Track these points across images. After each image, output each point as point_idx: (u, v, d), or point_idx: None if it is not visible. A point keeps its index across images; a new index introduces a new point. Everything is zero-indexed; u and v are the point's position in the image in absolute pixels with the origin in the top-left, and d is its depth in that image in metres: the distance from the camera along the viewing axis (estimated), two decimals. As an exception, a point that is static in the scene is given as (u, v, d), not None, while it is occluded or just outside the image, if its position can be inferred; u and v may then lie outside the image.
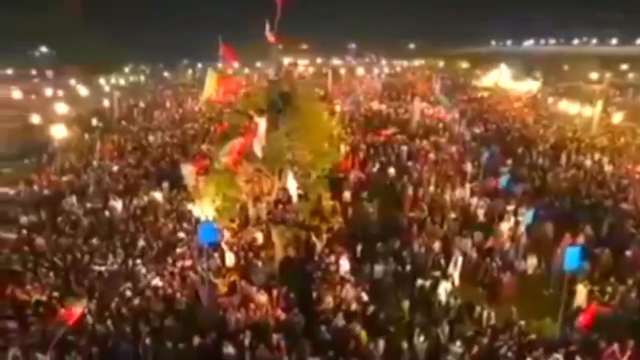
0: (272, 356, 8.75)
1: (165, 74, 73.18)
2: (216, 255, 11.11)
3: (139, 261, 12.39)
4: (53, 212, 15.69)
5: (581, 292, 11.25)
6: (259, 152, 9.12)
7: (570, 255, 9.26)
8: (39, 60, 65.50)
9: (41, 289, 11.13)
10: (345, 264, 11.29)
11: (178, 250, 12.63)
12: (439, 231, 15.58)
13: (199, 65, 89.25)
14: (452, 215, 16.83)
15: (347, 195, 19.00)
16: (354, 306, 10.06)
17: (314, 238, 11.47)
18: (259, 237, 11.00)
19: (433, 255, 13.91)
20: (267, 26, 10.49)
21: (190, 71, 76.36)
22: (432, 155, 24.46)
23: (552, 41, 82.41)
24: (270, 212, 10.53)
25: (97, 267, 12.12)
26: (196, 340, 9.17)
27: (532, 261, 14.00)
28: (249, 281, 10.53)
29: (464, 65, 76.46)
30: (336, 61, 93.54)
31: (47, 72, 61.67)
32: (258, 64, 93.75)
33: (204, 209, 9.96)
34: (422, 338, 9.20)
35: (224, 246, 10.80)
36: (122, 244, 13.37)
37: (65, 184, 18.54)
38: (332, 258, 11.33)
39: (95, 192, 17.41)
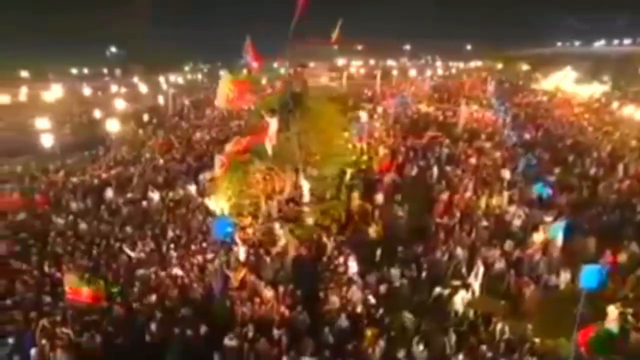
0: (272, 351, 8.92)
1: (222, 72, 75.81)
2: (235, 249, 11.52)
3: (164, 250, 13.10)
4: (98, 200, 16.96)
5: (612, 313, 10.39)
6: (269, 151, 9.33)
7: (586, 274, 8.57)
8: (110, 59, 70.84)
9: (75, 269, 12.07)
10: (353, 266, 11.24)
11: (203, 242, 13.19)
12: (466, 239, 15.01)
13: (255, 64, 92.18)
14: (484, 223, 16.14)
15: (379, 197, 18.88)
16: (359, 308, 9.99)
17: (324, 238, 11.52)
18: (269, 234, 11.30)
19: (455, 264, 13.47)
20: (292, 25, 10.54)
21: (245, 70, 78.55)
22: (473, 160, 23.62)
23: (627, 41, 75.79)
24: (281, 210, 10.71)
25: (126, 253, 12.94)
26: (203, 329, 9.57)
27: (565, 276, 13.10)
28: (259, 276, 10.81)
29: (525, 67, 72.56)
30: (390, 62, 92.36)
31: (116, 71, 66.42)
32: (311, 64, 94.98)
33: (218, 203, 10.35)
34: (421, 346, 8.93)
35: (237, 241, 11.19)
36: (152, 233, 14.20)
37: (113, 174, 19.89)
38: (341, 259, 11.32)
39: (138, 184, 18.56)
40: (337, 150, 10.51)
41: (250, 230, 11.42)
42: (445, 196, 18.61)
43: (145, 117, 32.35)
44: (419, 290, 12.29)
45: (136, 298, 10.91)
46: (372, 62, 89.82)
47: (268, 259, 11.23)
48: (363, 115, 32.96)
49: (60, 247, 13.52)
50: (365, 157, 25.05)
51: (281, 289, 10.29)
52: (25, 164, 22.98)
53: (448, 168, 22.78)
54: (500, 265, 13.66)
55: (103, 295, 9.90)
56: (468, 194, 19.00)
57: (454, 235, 15.25)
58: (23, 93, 43.91)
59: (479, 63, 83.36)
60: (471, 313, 11.44)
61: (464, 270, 13.04)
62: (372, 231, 14.30)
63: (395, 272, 12.73)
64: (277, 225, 10.83)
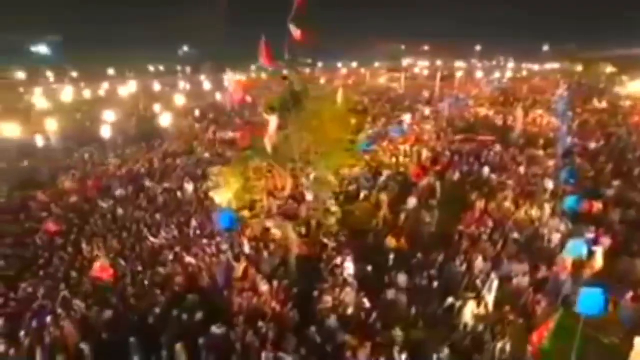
0: (257, 344, 9.12)
1: (285, 72, 77.74)
2: (241, 241, 11.93)
3: (185, 238, 13.88)
4: (139, 188, 18.33)
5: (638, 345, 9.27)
6: (269, 148, 9.55)
7: (586, 298, 7.71)
8: (182, 58, 75.69)
9: (103, 250, 13.21)
10: (350, 267, 11.10)
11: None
12: (490, 250, 14.16)
13: (319, 64, 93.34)
14: (515, 235, 15.11)
15: (412, 201, 18.46)
16: (350, 310, 9.88)
17: (323, 238, 11.49)
18: (269, 230, 11.50)
19: (471, 275, 12.78)
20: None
21: (307, 70, 79.81)
22: (522, 169, 22.16)
23: None
24: (281, 207, 10.87)
25: (150, 239, 13.88)
26: (199, 315, 10.03)
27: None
28: (258, 270, 11.08)
29: (609, 69, 66.13)
30: (459, 63, 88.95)
31: (186, 69, 70.83)
32: (376, 64, 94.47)
33: (222, 196, 10.76)
34: (404, 356, 8.62)
35: (241, 234, 11.56)
36: (178, 221, 15.08)
37: (159, 165, 21.35)
38: (339, 259, 11.24)
39: (178, 175, 19.76)
40: (335, 149, 10.42)
41: (251, 225, 11.74)
42: (481, 204, 17.75)
43: (199, 113, 34.11)
44: (426, 298, 11.84)
45: (150, 281, 11.64)
46: (439, 62, 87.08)
47: (266, 254, 11.49)
48: (406, 118, 32.33)
49: (98, 229, 14.80)
50: (406, 160, 24.75)
51: (275, 284, 10.44)
52: (91, 152, 25.36)
53: (492, 175, 21.67)
54: (522, 281, 12.75)
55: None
56: (507, 203, 17.94)
57: (478, 245, 14.45)
58: (103, 88, 48.58)
59: (556, 65, 77.42)
60: (478, 327, 10.84)
61: (479, 282, 12.29)
62: (387, 235, 13.94)
63: (402, 278, 12.42)
64: (279, 222, 11.00)
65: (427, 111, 34.12)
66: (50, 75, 63.51)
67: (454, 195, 19.82)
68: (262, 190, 10.57)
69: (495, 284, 11.82)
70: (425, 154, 25.30)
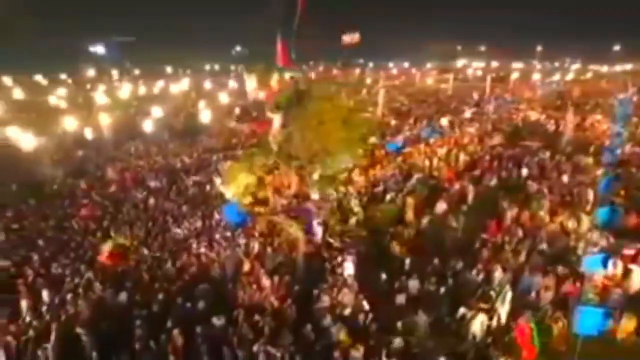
0: (251, 337, 9.31)
1: (335, 71, 78.18)
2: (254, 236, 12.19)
3: (205, 230, 14.42)
4: (172, 181, 19.27)
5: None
6: (274, 146, 9.69)
7: (584, 317, 7.09)
8: (234, 57, 78.15)
9: (129, 237, 14.05)
10: (349, 268, 10.97)
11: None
12: (513, 261, 13.42)
13: (370, 64, 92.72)
14: (543, 246, 14.22)
15: (440, 206, 17.96)
16: (347, 311, 9.81)
17: (328, 237, 11.44)
18: (275, 226, 11.62)
19: (488, 285, 12.19)
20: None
21: (358, 70, 79.67)
22: (565, 177, 20.75)
23: None
24: (286, 205, 10.95)
25: (173, 229, 14.57)
26: (201, 304, 10.41)
27: (629, 324, 10.86)
28: (262, 265, 11.27)
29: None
30: (517, 64, 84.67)
31: (238, 68, 72.99)
32: (428, 65, 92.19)
33: (231, 191, 11.02)
34: (391, 361, 8.43)
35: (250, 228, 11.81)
36: (202, 213, 15.69)
37: (194, 160, 22.31)
38: (339, 259, 11.16)
39: (210, 170, 20.54)
40: (336, 150, 10.32)
41: (258, 221, 11.95)
42: (512, 212, 16.89)
43: (240, 111, 35.11)
44: (435, 306, 11.49)
45: (165, 269, 12.24)
46: (495, 64, 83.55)
47: (269, 250, 11.66)
48: (443, 120, 31.31)
49: (128, 217, 15.75)
50: (441, 163, 24.01)
51: (276, 280, 10.59)
52: (136, 145, 26.97)
53: (531, 182, 20.50)
54: (544, 295, 11.98)
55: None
56: (541, 212, 16.92)
57: (500, 254, 13.75)
58: (158, 86, 51.40)
59: (627, 66, 71.47)
60: (486, 340, 10.37)
61: (493, 293, 11.72)
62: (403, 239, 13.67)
63: (413, 283, 12.13)
64: (285, 220, 11.12)
65: (468, 113, 32.81)
66: (114, 73, 68.17)
67: (487, 202, 18.99)
68: (269, 187, 10.75)
69: (509, 296, 11.24)
70: (462, 157, 24.42)
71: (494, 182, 21.46)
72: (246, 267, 11.47)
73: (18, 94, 45.01)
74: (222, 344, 9.07)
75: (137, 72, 72.49)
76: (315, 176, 10.72)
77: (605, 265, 10.89)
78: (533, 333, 8.15)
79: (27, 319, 10.34)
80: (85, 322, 9.73)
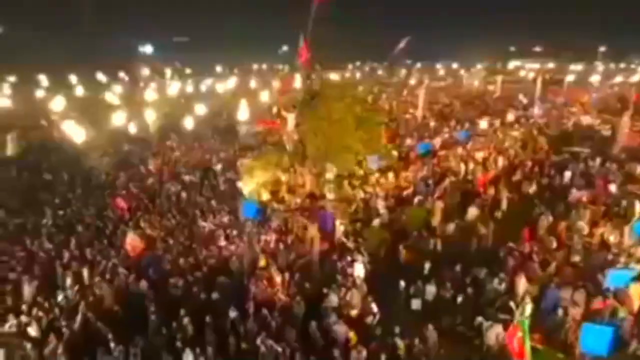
0: (257, 331, 9.51)
1: (380, 72, 77.58)
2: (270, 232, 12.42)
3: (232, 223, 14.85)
4: (204, 176, 20.00)
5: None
6: (288, 146, 9.82)
7: (590, 335, 6.59)
8: (281, 57, 79.36)
9: (159, 229, 14.76)
10: (359, 268, 10.86)
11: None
12: (540, 272, 12.75)
13: (418, 64, 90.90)
14: (576, 258, 13.41)
15: (472, 211, 17.43)
16: (354, 312, 9.77)
17: (342, 237, 11.38)
18: (288, 223, 11.71)
19: (510, 296, 11.67)
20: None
21: (404, 71, 78.42)
22: (613, 187, 19.37)
23: None
24: (299, 204, 11.04)
25: (199, 222, 15.13)
26: (214, 295, 10.76)
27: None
28: (275, 261, 11.46)
29: None
30: (575, 66, 79.77)
31: (285, 67, 74.22)
32: (478, 66, 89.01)
33: (249, 187, 11.27)
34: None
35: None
36: (229, 209, 16.15)
37: (229, 156, 23.01)
38: (349, 259, 11.10)
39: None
40: (350, 149, 10.23)
41: (274, 218, 12.12)
42: (547, 221, 16.06)
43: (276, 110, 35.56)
44: (451, 313, 11.19)
45: (187, 259, 12.75)
46: (550, 65, 79.24)
47: (282, 247, 11.80)
48: (482, 123, 30.10)
49: (160, 209, 16.55)
50: (478, 167, 23.17)
51: (287, 276, 10.74)
52: (177, 140, 28.17)
53: (574, 190, 19.32)
54: (572, 311, 11.27)
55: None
56: (581, 223, 15.93)
57: (527, 265, 13.10)
58: (206, 84, 53.36)
59: None
60: (502, 352, 9.95)
61: (513, 304, 11.20)
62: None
63: (431, 288, 11.86)
64: (301, 219, 11.23)
65: (510, 116, 31.38)
66: (167, 72, 71.50)
67: (522, 209, 18.18)
68: (284, 185, 10.91)
69: (529, 308, 10.69)
70: (501, 162, 23.46)
71: (533, 189, 20.48)
72: (262, 262, 11.71)
73: (80, 90, 48.31)
74: (229, 335, 9.34)
75: (188, 71, 75.50)
76: (329, 175, 10.74)
77: (632, 282, 10.07)
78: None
79: (59, 297, 11.17)
80: (107, 305, 10.36)
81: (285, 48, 78.98)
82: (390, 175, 20.29)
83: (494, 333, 10.37)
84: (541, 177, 21.54)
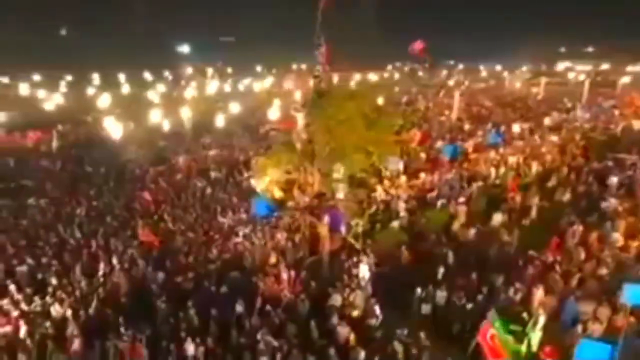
0: (259, 326, 9.68)
1: (420, 73, 76.28)
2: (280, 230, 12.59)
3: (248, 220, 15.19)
4: (230, 173, 20.51)
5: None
6: (297, 145, 9.90)
7: (586, 352, 6.20)
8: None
9: (179, 222, 15.32)
10: (364, 270, 10.74)
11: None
12: (560, 285, 12.12)
13: (460, 66, 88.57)
14: (603, 271, 12.63)
15: (497, 217, 16.88)
16: (355, 312, 9.73)
17: (350, 239, 11.31)
18: (297, 222, 11.75)
19: (525, 307, 11.19)
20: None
21: (445, 72, 76.72)
22: (658, 197, 18.05)
23: None
24: (308, 202, 11.07)
25: (219, 218, 15.56)
26: (224, 288, 11.05)
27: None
28: (284, 258, 11.58)
29: None
30: (634, 67, 74.95)
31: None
32: (523, 68, 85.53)
33: (260, 184, 11.44)
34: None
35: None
36: (248, 205, 16.47)
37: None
38: (354, 260, 11.01)
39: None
40: (359, 149, 10.14)
41: (282, 216, 12.23)
42: (577, 231, 15.23)
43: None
44: (460, 320, 10.91)
45: (202, 253, 13.17)
46: (604, 67, 74.92)
47: (290, 245, 11.88)
48: (515, 127, 28.84)
49: (183, 204, 17.17)
50: (511, 172, 22.28)
51: (293, 274, 10.84)
52: (209, 138, 29.08)
53: (612, 200, 18.18)
54: (593, 327, 10.67)
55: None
56: (615, 234, 15.00)
57: (547, 276, 12.50)
58: (243, 84, 54.83)
59: None
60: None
61: (525, 316, 10.74)
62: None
63: (441, 294, 11.60)
64: (309, 218, 11.27)
65: (547, 120, 29.90)
66: (209, 71, 73.89)
67: (552, 217, 17.33)
68: (294, 184, 11.03)
69: (542, 320, 10.22)
70: (535, 167, 22.44)
71: (567, 197, 19.46)
72: (272, 259, 11.89)
73: (126, 89, 50.91)
74: (231, 329, 9.58)
75: (230, 70, 77.59)
76: (338, 175, 10.74)
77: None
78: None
79: (82, 283, 11.88)
80: (122, 293, 10.91)
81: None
82: (415, 177, 19.97)
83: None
84: (578, 185, 20.43)
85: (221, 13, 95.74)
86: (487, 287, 12.10)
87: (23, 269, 12.72)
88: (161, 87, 50.24)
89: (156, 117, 30.01)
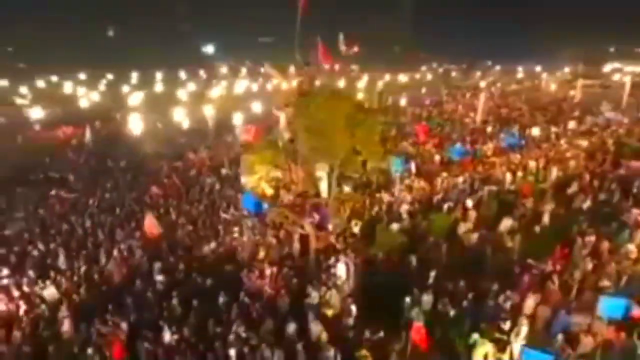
0: (240, 319, 9.87)
1: (454, 74, 74.72)
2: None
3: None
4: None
5: None
6: (280, 143, 9.98)
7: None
8: (355, 58, 79.65)
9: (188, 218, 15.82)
10: (341, 269, 10.65)
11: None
12: (556, 294, 11.60)
13: (497, 67, 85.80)
14: (605, 283, 11.97)
15: (506, 223, 16.37)
16: (330, 311, 9.72)
17: (332, 239, 11.26)
18: (280, 220, 11.81)
19: (514, 315, 10.80)
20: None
21: (479, 73, 74.66)
22: (682, 207, 16.87)
23: None
24: (291, 201, 11.11)
25: (222, 214, 15.95)
26: (209, 281, 11.34)
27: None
28: (269, 254, 11.71)
29: None
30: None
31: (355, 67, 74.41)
32: (565, 69, 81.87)
33: (249, 180, 11.59)
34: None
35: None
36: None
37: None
38: (332, 260, 10.96)
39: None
40: (344, 149, 10.08)
41: (268, 212, 12.32)
42: (587, 241, 14.52)
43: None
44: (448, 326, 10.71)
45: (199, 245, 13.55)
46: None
47: (275, 241, 11.98)
48: (535, 130, 27.62)
49: (190, 198, 17.70)
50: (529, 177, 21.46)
51: (274, 271, 10.96)
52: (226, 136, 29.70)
53: (635, 209, 17.15)
54: (585, 340, 10.16)
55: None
56: (630, 246, 14.19)
57: (543, 285, 12.00)
58: (272, 83, 55.68)
59: None
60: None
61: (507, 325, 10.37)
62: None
63: (427, 298, 11.37)
64: (292, 215, 11.32)
65: (572, 124, 28.48)
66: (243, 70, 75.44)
67: (564, 225, 16.57)
68: (279, 182, 11.15)
69: (524, 330, 9.85)
70: (555, 173, 21.50)
71: (587, 204, 18.52)
72: (261, 254, 12.08)
73: (159, 87, 52.89)
74: (208, 319, 9.83)
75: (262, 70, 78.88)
76: (321, 174, 10.75)
77: (627, 312, 8.78)
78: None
79: (82, 269, 12.53)
80: (114, 281, 11.44)
81: (355, 49, 79.55)
82: (427, 179, 19.67)
83: (482, 351, 9.74)
84: (599, 192, 19.40)
85: (260, 14, 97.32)
86: (477, 293, 11.78)
87: (34, 253, 13.56)
88: (191, 86, 51.73)
89: (180, 114, 31.05)
